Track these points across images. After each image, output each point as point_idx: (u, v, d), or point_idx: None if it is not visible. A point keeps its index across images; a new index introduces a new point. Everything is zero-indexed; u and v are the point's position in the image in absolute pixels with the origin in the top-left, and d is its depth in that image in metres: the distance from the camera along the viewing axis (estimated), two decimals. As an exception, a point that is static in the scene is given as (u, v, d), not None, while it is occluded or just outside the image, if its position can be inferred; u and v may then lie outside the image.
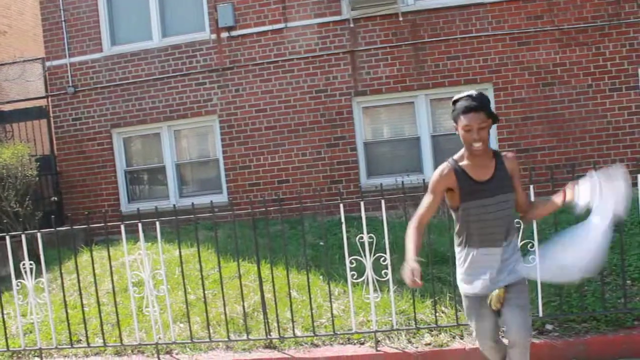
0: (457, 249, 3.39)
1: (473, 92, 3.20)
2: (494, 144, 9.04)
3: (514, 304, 3.19)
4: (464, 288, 3.34)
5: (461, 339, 4.51)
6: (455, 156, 3.31)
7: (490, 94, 9.03)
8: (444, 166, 3.27)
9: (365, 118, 9.54)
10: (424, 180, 4.68)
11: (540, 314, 4.49)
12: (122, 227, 4.99)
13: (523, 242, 4.40)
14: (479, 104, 3.11)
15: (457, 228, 3.36)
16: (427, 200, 3.29)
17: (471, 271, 3.28)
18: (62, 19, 10.22)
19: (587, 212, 3.04)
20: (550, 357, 4.30)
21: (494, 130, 9.01)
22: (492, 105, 8.97)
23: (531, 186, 4.49)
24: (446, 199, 3.36)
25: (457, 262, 3.38)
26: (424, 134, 9.22)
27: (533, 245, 4.44)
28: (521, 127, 8.93)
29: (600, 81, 8.77)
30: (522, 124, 8.93)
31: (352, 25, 9.28)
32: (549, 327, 4.55)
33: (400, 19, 9.15)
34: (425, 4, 9.12)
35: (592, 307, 4.66)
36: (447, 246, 5.34)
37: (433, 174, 3.29)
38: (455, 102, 3.22)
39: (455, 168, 3.24)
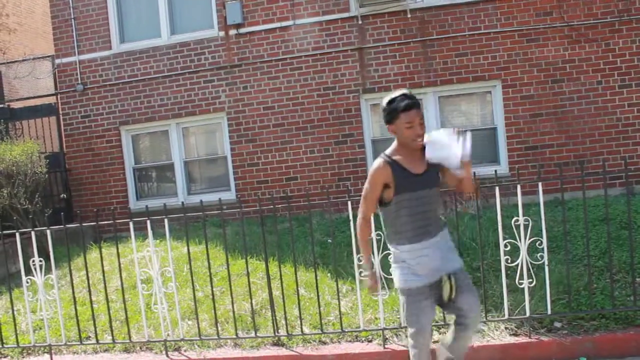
0: (392, 248, 3.45)
1: (406, 91, 3.31)
2: (502, 142, 9.01)
3: (465, 290, 3.35)
4: (407, 282, 3.35)
5: (469, 336, 4.50)
6: (387, 152, 3.39)
7: (498, 91, 9.00)
8: (379, 161, 3.35)
9: (374, 115, 9.52)
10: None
11: (549, 312, 4.47)
12: (131, 225, 5.01)
13: (532, 239, 4.39)
14: (417, 101, 3.27)
15: (390, 226, 3.43)
16: (368, 195, 3.38)
17: (413, 264, 3.33)
18: (72, 17, 10.26)
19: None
20: (559, 355, 4.29)
21: (502, 128, 8.98)
22: (501, 102, 8.96)
23: (539, 183, 4.48)
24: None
25: (395, 261, 3.44)
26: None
27: (542, 242, 4.43)
28: (530, 124, 8.88)
29: (610, 78, 8.70)
30: (531, 120, 8.88)
31: (360, 22, 9.27)
32: (557, 324, 4.54)
33: (409, 16, 9.13)
34: (433, 0, 9.08)
35: (601, 305, 4.64)
36: (454, 244, 5.32)
37: (370, 170, 3.37)
38: (390, 102, 3.28)
39: (390, 162, 3.32)
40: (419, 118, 3.24)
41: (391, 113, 3.27)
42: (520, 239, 4.38)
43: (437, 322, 4.59)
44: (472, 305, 3.35)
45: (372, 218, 3.50)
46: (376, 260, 4.54)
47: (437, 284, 3.31)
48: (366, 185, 3.37)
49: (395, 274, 3.42)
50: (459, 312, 3.37)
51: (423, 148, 3.30)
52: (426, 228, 3.32)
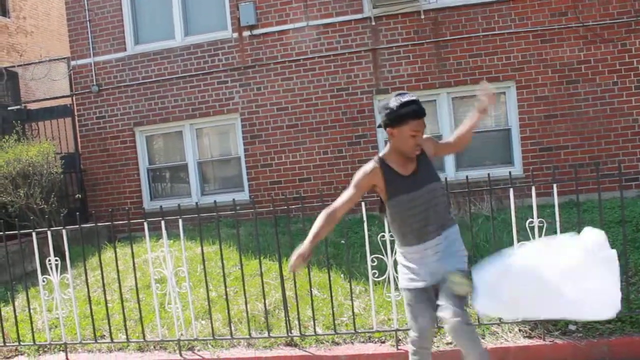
0: (397, 248, 3.44)
1: (414, 95, 3.20)
2: (516, 143, 8.96)
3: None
4: (406, 282, 3.32)
5: (483, 338, 4.48)
6: (381, 154, 3.34)
7: (512, 92, 8.95)
8: (370, 164, 3.30)
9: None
10: (445, 178, 4.67)
11: (564, 314, 4.44)
12: (145, 225, 5.04)
13: (546, 241, 4.36)
14: (424, 109, 3.17)
15: (392, 230, 3.40)
16: (348, 193, 3.26)
17: (413, 266, 3.29)
18: (87, 19, 10.35)
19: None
20: (574, 358, 4.26)
21: (516, 129, 8.93)
22: (515, 103, 8.90)
23: (554, 185, 4.45)
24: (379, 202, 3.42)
25: (400, 261, 3.41)
26: (446, 132, 9.15)
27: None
28: (544, 125, 8.83)
29: (626, 78, 8.62)
30: (545, 121, 8.83)
31: (373, 23, 9.26)
32: (572, 327, 4.50)
33: (422, 16, 9.11)
34: (447, 1, 9.06)
35: (616, 308, 4.59)
36: (468, 245, 5.30)
37: (359, 171, 3.30)
38: (402, 105, 3.12)
39: (382, 165, 3.27)
40: (424, 127, 3.17)
41: (400, 117, 3.13)
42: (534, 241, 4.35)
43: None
44: (452, 302, 3.10)
45: (339, 216, 3.26)
46: (389, 261, 4.54)
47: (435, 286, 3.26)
48: (351, 184, 3.27)
49: (399, 273, 3.41)
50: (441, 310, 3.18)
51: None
52: (425, 228, 3.21)
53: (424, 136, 3.27)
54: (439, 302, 3.16)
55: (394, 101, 3.17)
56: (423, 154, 3.30)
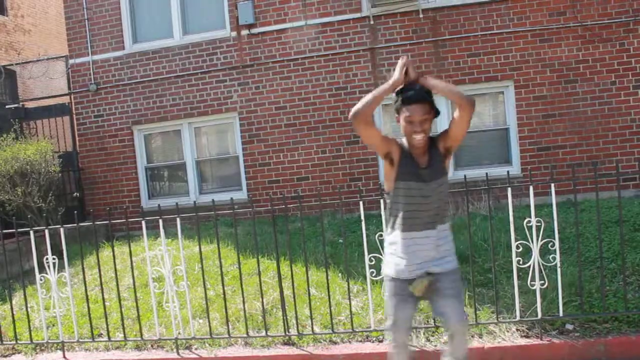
0: (388, 231, 3.33)
1: (417, 85, 3.12)
2: (514, 143, 8.96)
3: (449, 294, 3.14)
4: (389, 271, 3.26)
5: (480, 337, 4.49)
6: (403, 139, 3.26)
7: (511, 91, 8.95)
8: (397, 138, 3.24)
9: (385, 115, 9.51)
10: (443, 178, 4.66)
11: (561, 314, 4.44)
12: (143, 223, 5.04)
13: (544, 241, 4.37)
14: (423, 95, 3.06)
15: (389, 210, 3.29)
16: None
17: (401, 254, 3.21)
18: (85, 18, 10.34)
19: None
20: (571, 357, 4.26)
21: (514, 128, 8.93)
22: (513, 103, 8.91)
23: (552, 184, 4.45)
24: (383, 182, 3.32)
25: (386, 245, 3.35)
26: (444, 132, 9.16)
27: (554, 244, 4.40)
28: (542, 125, 8.83)
29: (624, 78, 8.64)
30: (544, 121, 8.83)
31: (372, 22, 9.26)
32: (569, 327, 4.50)
33: (421, 16, 9.11)
34: (445, 0, 9.06)
35: (613, 308, 4.60)
36: (465, 245, 5.31)
37: None
38: (399, 92, 3.13)
39: (403, 144, 3.20)
40: (423, 114, 3.03)
41: (395, 104, 3.14)
42: (532, 240, 4.35)
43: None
44: (452, 313, 3.13)
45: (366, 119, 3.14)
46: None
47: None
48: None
49: (386, 259, 3.33)
50: (442, 318, 3.26)
51: (431, 141, 3.18)
52: (423, 219, 3.15)
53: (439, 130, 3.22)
54: (441, 309, 3.18)
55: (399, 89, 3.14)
56: (434, 147, 3.20)
